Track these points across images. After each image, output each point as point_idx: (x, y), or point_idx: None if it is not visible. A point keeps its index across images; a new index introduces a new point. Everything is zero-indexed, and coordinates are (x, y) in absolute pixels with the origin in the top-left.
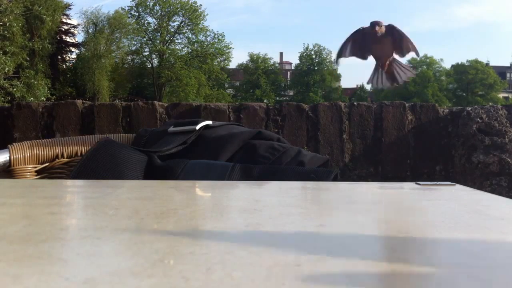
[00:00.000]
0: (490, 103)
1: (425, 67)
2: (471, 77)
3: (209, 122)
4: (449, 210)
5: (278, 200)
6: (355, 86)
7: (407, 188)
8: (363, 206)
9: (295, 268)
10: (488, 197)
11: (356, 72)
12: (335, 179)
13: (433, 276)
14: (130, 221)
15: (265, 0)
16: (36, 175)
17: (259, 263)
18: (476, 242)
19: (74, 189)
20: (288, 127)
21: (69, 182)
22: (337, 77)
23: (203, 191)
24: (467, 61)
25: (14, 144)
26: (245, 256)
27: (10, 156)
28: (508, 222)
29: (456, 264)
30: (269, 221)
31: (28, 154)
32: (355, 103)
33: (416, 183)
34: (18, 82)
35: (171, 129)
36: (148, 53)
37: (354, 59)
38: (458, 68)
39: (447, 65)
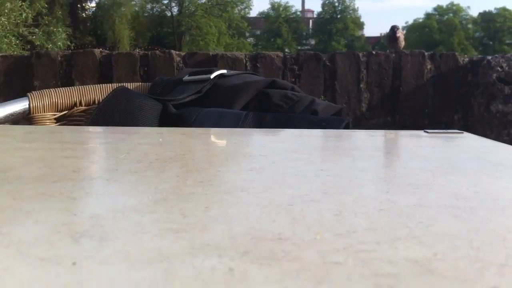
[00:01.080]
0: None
1: (451, 14)
2: (498, 25)
3: (224, 71)
4: (450, 156)
5: (284, 147)
6: (378, 35)
7: (414, 135)
8: (366, 153)
9: (288, 207)
10: (494, 144)
11: (380, 20)
12: (346, 127)
13: (415, 215)
14: (139, 165)
15: None
16: (55, 123)
17: (255, 202)
18: (467, 185)
19: (89, 135)
20: (305, 76)
21: (85, 128)
22: (360, 25)
23: (213, 138)
24: (494, 8)
25: (33, 92)
26: (242, 196)
27: (29, 104)
28: (505, 168)
29: (441, 205)
30: (272, 165)
31: (47, 102)
32: (374, 52)
33: (425, 131)
34: (37, 30)
35: (186, 78)
36: (167, 1)
37: (377, 6)
38: (485, 16)
39: (474, 12)
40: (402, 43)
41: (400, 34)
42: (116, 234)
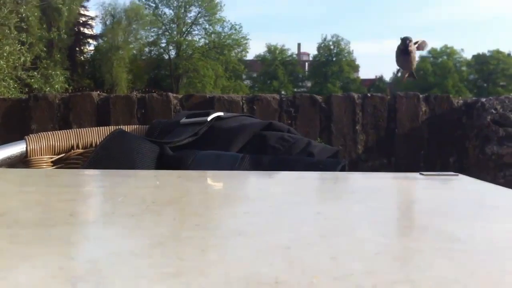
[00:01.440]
0: (505, 95)
1: (445, 57)
2: (492, 68)
3: (221, 113)
4: (445, 199)
5: (281, 189)
6: (373, 77)
7: (410, 178)
8: (362, 195)
9: (284, 250)
10: (489, 186)
11: (374, 63)
12: (342, 170)
13: (411, 259)
14: (136, 208)
15: None
16: (52, 166)
17: (252, 246)
18: (462, 228)
19: (86, 178)
20: (301, 118)
21: (82, 171)
22: (356, 68)
23: (209, 180)
24: (488, 51)
25: (30, 135)
26: (239, 240)
27: (26, 147)
28: (501, 211)
29: (437, 249)
30: (269, 208)
31: (44, 145)
32: (369, 94)
33: (420, 174)
34: (35, 73)
35: (183, 120)
36: (165, 44)
37: (371, 49)
38: (479, 59)
39: (468, 55)
40: (415, 59)
41: (413, 48)
42: (113, 279)
